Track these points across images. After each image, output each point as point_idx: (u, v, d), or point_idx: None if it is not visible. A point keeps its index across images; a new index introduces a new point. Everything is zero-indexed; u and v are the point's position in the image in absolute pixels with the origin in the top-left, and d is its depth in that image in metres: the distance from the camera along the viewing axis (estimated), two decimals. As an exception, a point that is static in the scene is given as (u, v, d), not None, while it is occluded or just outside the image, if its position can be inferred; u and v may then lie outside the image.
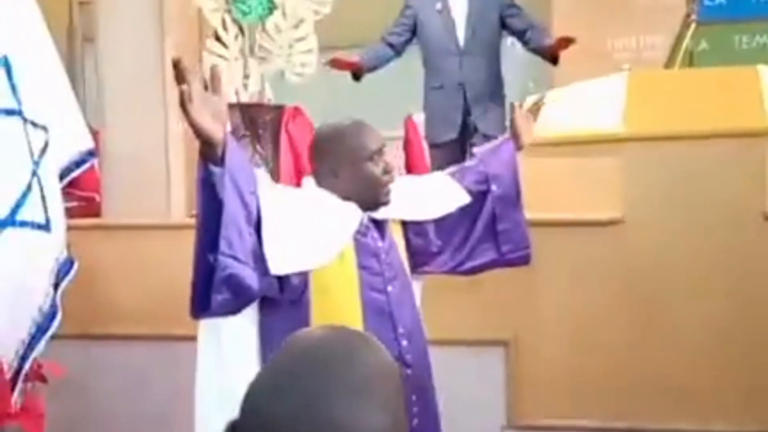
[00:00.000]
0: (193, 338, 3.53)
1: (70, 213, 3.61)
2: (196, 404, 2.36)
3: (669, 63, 4.72)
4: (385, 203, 2.34)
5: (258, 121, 3.85)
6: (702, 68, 3.73)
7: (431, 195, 2.53)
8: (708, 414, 3.20)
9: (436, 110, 4.72)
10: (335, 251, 2.27)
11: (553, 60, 4.56)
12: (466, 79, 4.53)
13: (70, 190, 3.82)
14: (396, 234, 2.45)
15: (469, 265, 2.61)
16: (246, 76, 3.94)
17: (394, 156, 5.72)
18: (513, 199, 2.64)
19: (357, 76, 4.89)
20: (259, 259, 2.08)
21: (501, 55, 4.73)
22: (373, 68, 4.90)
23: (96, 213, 4.07)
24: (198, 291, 2.05)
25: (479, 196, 2.58)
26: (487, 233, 2.59)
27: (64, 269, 3.38)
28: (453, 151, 4.52)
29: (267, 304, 2.21)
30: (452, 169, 2.68)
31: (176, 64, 1.87)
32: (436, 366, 2.26)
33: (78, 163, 3.68)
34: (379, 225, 2.39)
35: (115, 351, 3.64)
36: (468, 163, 2.70)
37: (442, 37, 4.65)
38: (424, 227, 2.52)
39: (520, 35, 4.64)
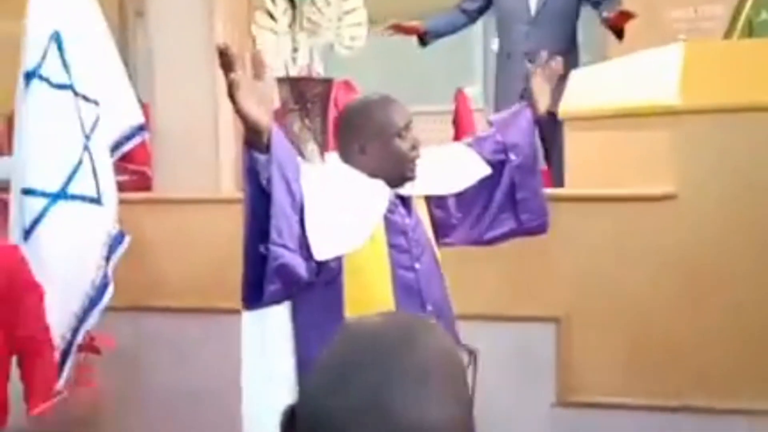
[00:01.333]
0: (241, 311, 3.57)
1: (122, 187, 3.66)
2: (242, 387, 2.37)
3: (728, 34, 4.60)
4: (412, 179, 2.32)
5: (307, 95, 3.82)
6: (760, 39, 3.61)
7: (452, 168, 2.49)
8: (763, 393, 3.13)
9: (500, 79, 4.65)
10: (370, 231, 2.25)
11: (618, 34, 4.44)
12: (532, 49, 4.39)
13: (121, 163, 3.86)
14: (420, 209, 2.42)
15: (489, 235, 2.57)
16: (295, 50, 3.91)
17: (440, 130, 5.69)
18: (531, 167, 2.58)
19: (423, 42, 4.81)
20: (304, 246, 2.08)
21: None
22: (440, 35, 4.82)
23: (147, 187, 4.11)
24: (249, 281, 2.04)
25: (498, 166, 2.54)
26: (506, 203, 2.55)
27: (115, 243, 3.43)
28: None
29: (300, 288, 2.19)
30: (469, 139, 2.64)
31: (224, 52, 1.86)
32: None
33: (129, 137, 3.71)
34: (405, 201, 2.36)
35: (165, 323, 3.67)
36: (485, 132, 2.64)
37: (515, 4, 4.56)
38: (445, 200, 2.49)
39: (594, 5, 4.53)
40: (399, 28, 4.71)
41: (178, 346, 3.66)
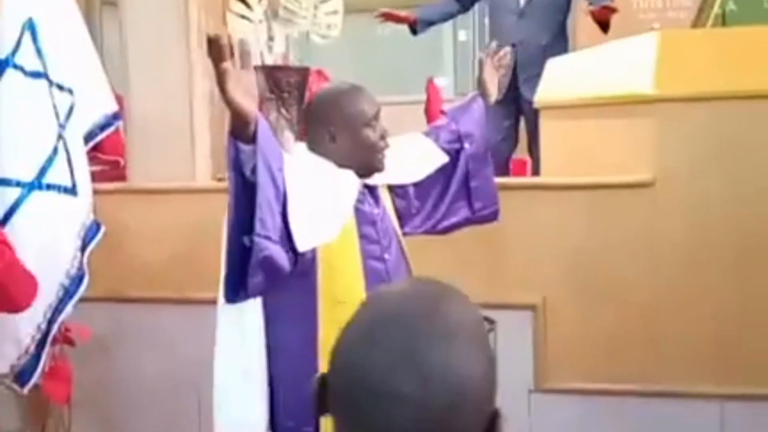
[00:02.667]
0: (217, 302, 3.55)
1: (93, 177, 3.61)
2: (216, 379, 2.35)
3: (696, 23, 4.65)
4: (380, 169, 2.34)
5: (282, 84, 3.80)
6: (734, 27, 3.65)
7: (412, 157, 2.52)
8: (736, 378, 3.18)
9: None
10: (346, 220, 2.27)
11: (603, 27, 4.47)
12: (520, 41, 4.39)
13: (94, 153, 3.82)
14: (385, 199, 2.45)
15: (445, 224, 2.62)
16: (270, 38, 3.89)
17: (412, 120, 5.70)
18: (483, 155, 2.64)
19: (414, 30, 4.80)
20: (285, 237, 2.08)
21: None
22: (431, 23, 4.82)
23: (120, 177, 4.07)
24: (231, 274, 2.04)
25: (453, 155, 2.58)
26: (461, 191, 2.60)
27: (90, 233, 3.39)
28: (495, 113, 4.47)
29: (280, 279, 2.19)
30: (426, 128, 2.68)
31: (215, 42, 1.85)
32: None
33: (102, 127, 3.67)
34: (372, 191, 2.38)
35: (141, 314, 3.65)
36: (440, 121, 2.69)
37: None
38: (406, 189, 2.52)
39: None
40: (390, 17, 4.71)
41: (153, 337, 3.64)
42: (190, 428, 3.51)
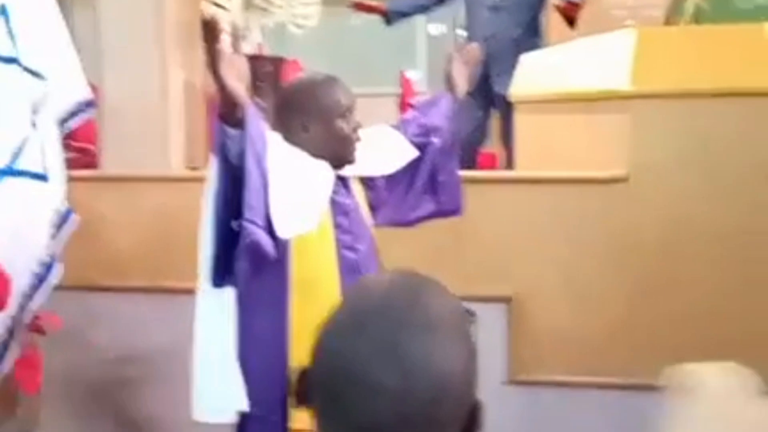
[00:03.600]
0: (190, 291, 3.53)
1: (66, 164, 3.58)
2: (195, 364, 2.34)
3: (668, 20, 4.69)
4: (352, 161, 2.35)
5: (258, 74, 3.79)
6: (711, 25, 3.69)
7: (383, 149, 2.53)
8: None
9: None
10: (323, 209, 2.28)
11: (570, 22, 4.52)
12: (493, 34, 4.41)
13: (65, 140, 3.77)
14: (357, 190, 2.46)
15: (411, 216, 2.63)
16: (246, 28, 3.89)
17: (383, 113, 5.71)
18: (450, 150, 2.65)
19: (388, 19, 4.79)
20: (269, 223, 2.08)
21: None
22: (403, 14, 4.82)
23: (91, 165, 4.03)
24: (216, 258, 2.05)
25: (421, 148, 2.59)
26: (428, 184, 2.61)
27: (63, 221, 3.35)
28: (466, 106, 4.47)
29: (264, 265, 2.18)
30: (393, 122, 2.69)
31: (209, 24, 1.85)
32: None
33: (75, 114, 3.62)
34: (345, 182, 2.39)
35: (113, 302, 3.62)
36: (409, 115, 2.71)
37: None
38: (376, 181, 2.53)
39: None
40: (361, 6, 4.70)
41: (126, 326, 3.61)
42: (163, 416, 3.50)
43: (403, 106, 5.95)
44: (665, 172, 3.23)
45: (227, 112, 1.94)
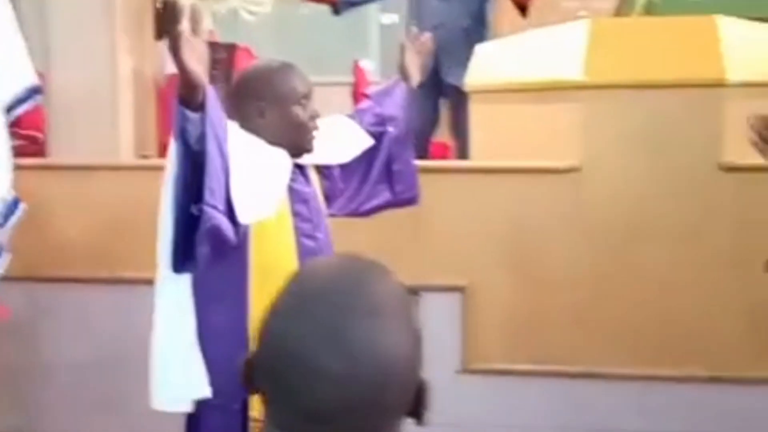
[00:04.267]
0: (141, 281, 3.47)
1: (12, 152, 3.50)
2: (156, 352, 2.30)
3: (618, 13, 4.74)
4: (309, 150, 2.33)
5: (210, 60, 3.74)
6: (663, 17, 3.73)
7: (339, 138, 2.52)
8: (661, 359, 3.26)
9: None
10: (282, 195, 2.26)
11: (523, 11, 4.54)
12: (441, 24, 4.39)
13: (13, 128, 3.69)
14: (314, 180, 2.45)
15: (367, 206, 2.63)
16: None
17: (336, 101, 5.68)
18: (405, 139, 2.67)
19: (337, 10, 4.76)
20: (230, 209, 2.05)
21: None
22: (352, 3, 4.78)
23: (38, 152, 3.95)
24: (176, 244, 2.01)
25: (376, 138, 2.60)
26: (383, 174, 2.62)
27: (10, 210, 3.28)
28: (417, 96, 4.46)
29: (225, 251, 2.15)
30: (348, 110, 2.70)
31: (169, 5, 1.82)
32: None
33: (22, 101, 3.54)
34: (302, 171, 2.38)
35: (62, 293, 3.55)
36: (364, 104, 2.71)
37: None
38: (332, 170, 2.52)
39: None
40: None
41: (75, 317, 3.56)
42: (113, 406, 3.47)
43: (356, 95, 5.91)
44: (618, 162, 3.26)
45: (187, 96, 1.91)
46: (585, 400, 3.31)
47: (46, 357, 3.58)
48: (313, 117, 2.30)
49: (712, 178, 3.20)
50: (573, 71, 3.30)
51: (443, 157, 4.84)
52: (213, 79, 3.74)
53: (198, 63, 1.89)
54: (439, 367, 3.35)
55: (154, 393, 2.28)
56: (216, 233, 2.00)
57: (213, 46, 3.92)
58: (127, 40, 3.71)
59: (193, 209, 1.95)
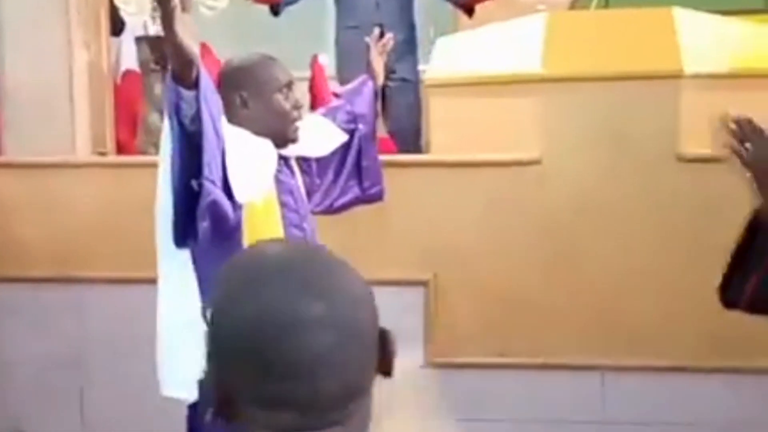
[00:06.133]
0: (96, 280, 3.44)
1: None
2: (161, 335, 2.29)
3: (574, 5, 4.77)
4: (294, 140, 2.40)
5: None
6: (620, 9, 3.75)
7: (315, 133, 2.58)
8: (622, 350, 3.29)
9: (350, 50, 4.63)
10: (271, 178, 2.31)
11: (469, 12, 4.57)
12: (384, 21, 4.41)
13: (-36, 126, 3.62)
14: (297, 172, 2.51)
15: (339, 202, 2.71)
16: (155, 9, 3.78)
17: (302, 95, 5.65)
18: (372, 136, 2.77)
19: (276, 11, 4.76)
20: (226, 186, 2.09)
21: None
22: (291, 2, 4.78)
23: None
24: (179, 219, 2.05)
25: (349, 134, 2.69)
26: (353, 170, 2.71)
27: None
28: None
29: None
30: (322, 109, 2.79)
31: None
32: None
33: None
34: (287, 162, 2.43)
35: (19, 294, 3.50)
36: (335, 102, 2.80)
37: None
38: (310, 164, 2.58)
39: None
40: None
41: (31, 316, 3.51)
42: (73, 405, 3.43)
43: (314, 90, 5.88)
44: (578, 154, 3.27)
45: (181, 72, 1.93)
46: (548, 392, 3.33)
47: (4, 358, 3.52)
48: (296, 107, 2.37)
49: (671, 169, 3.23)
50: (532, 64, 3.31)
51: (390, 152, 4.83)
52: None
53: (190, 38, 1.91)
54: (402, 362, 3.35)
55: (163, 379, 2.28)
56: (215, 208, 2.04)
57: (170, 41, 3.88)
58: (83, 35, 3.65)
59: (194, 184, 1.99)
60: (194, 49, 1.92)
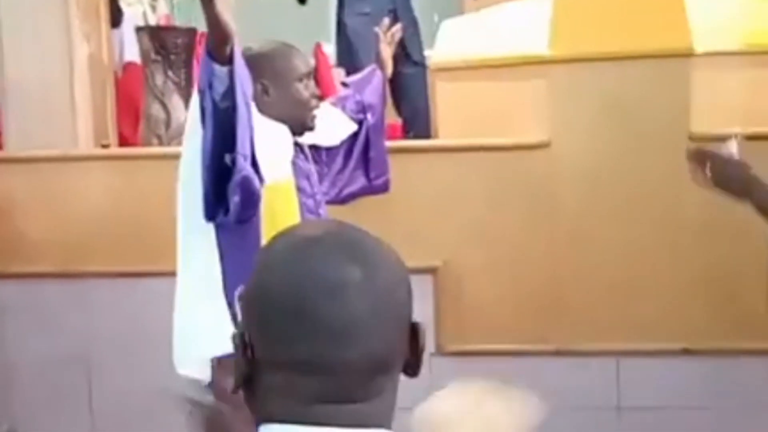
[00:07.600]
0: (104, 274, 3.41)
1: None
2: (179, 314, 2.29)
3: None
4: (311, 128, 2.41)
5: (169, 46, 3.66)
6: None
7: (326, 122, 2.59)
8: (632, 335, 3.24)
9: (360, 37, 4.57)
10: (290, 160, 2.35)
11: None
12: (397, 6, 4.40)
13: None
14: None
15: (346, 191, 2.73)
16: (153, -2, 3.74)
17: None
18: (380, 126, 2.80)
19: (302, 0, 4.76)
20: (254, 163, 2.11)
21: None
22: None
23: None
24: (209, 193, 2.08)
25: (357, 124, 2.72)
26: (361, 160, 2.74)
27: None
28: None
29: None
30: (331, 98, 2.81)
31: None
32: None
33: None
34: (302, 149, 2.46)
35: (23, 289, 3.46)
36: (344, 92, 2.83)
37: None
38: (321, 153, 2.61)
39: None
40: None
41: (36, 312, 3.47)
42: (78, 402, 3.39)
43: (318, 78, 5.83)
44: (587, 135, 3.23)
45: (217, 49, 1.95)
46: (560, 379, 3.28)
47: (8, 354, 3.50)
48: (315, 96, 2.39)
49: (682, 149, 3.16)
50: (539, 45, 3.26)
51: (396, 137, 4.79)
52: (173, 65, 3.67)
53: (228, 13, 1.93)
54: (413, 350, 3.32)
55: (178, 357, 2.26)
56: (247, 184, 2.06)
57: (171, 30, 3.84)
58: (82, 27, 3.61)
59: (227, 158, 2.02)
60: (232, 24, 1.93)
